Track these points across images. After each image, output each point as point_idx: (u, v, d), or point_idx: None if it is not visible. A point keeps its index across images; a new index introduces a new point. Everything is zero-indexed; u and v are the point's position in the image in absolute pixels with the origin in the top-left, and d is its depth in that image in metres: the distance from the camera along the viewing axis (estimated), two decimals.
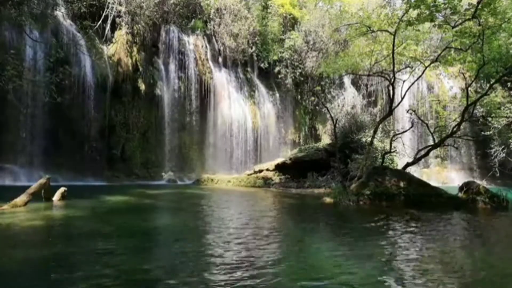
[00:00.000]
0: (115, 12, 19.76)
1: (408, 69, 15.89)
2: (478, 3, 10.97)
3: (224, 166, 22.79)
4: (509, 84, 22.43)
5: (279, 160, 20.00)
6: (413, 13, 12.01)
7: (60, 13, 18.27)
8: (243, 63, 25.67)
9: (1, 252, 4.70)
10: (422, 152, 14.25)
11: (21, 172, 15.55)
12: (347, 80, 28.67)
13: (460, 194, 10.98)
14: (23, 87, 15.07)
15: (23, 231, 6.02)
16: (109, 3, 19.44)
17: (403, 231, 6.98)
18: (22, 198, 8.17)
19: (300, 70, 26.43)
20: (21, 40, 15.96)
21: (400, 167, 14.50)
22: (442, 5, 11.59)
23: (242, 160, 23.61)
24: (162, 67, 21.98)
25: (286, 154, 23.12)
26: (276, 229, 6.99)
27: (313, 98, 26.98)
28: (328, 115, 19.18)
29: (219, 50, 24.53)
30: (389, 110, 14.66)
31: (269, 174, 18.66)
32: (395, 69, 13.43)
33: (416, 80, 15.37)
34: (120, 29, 20.31)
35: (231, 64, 25.01)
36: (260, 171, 19.29)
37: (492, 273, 4.39)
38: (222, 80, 24.12)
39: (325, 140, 24.47)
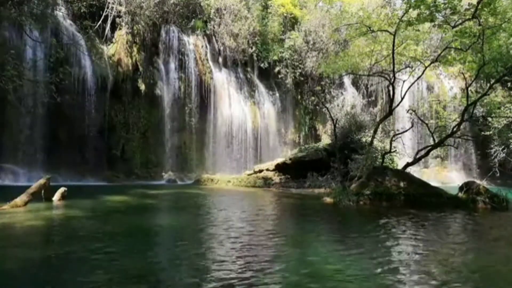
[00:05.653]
0: (115, 12, 19.75)
1: (408, 69, 15.88)
2: (478, 3, 10.96)
3: (224, 166, 22.78)
4: (509, 84, 22.38)
5: (279, 160, 19.97)
6: (413, 13, 12.00)
7: (60, 13, 18.25)
8: (243, 63, 25.64)
9: (1, 252, 4.70)
10: (422, 152, 14.24)
11: (21, 172, 15.55)
12: (347, 80, 28.63)
13: (460, 194, 10.99)
14: (23, 87, 15.05)
15: (23, 231, 6.02)
16: (109, 3, 19.42)
17: (403, 231, 6.98)
18: (22, 198, 8.18)
19: (300, 70, 26.40)
20: (21, 40, 15.96)
21: (400, 167, 14.49)
22: (442, 5, 11.59)
23: (242, 160, 23.58)
24: (162, 67, 21.96)
25: (286, 154, 23.10)
26: (276, 230, 6.99)
27: (313, 98, 26.93)
28: (328, 115, 19.14)
29: (219, 50, 24.52)
30: (389, 110, 14.66)
31: (269, 174, 18.65)
32: (395, 69, 13.43)
33: (416, 80, 15.37)
34: (120, 29, 20.30)
35: (231, 64, 24.99)
36: (260, 171, 19.28)
37: (491, 274, 4.39)
38: (222, 80, 24.10)
39: (325, 140, 24.41)
